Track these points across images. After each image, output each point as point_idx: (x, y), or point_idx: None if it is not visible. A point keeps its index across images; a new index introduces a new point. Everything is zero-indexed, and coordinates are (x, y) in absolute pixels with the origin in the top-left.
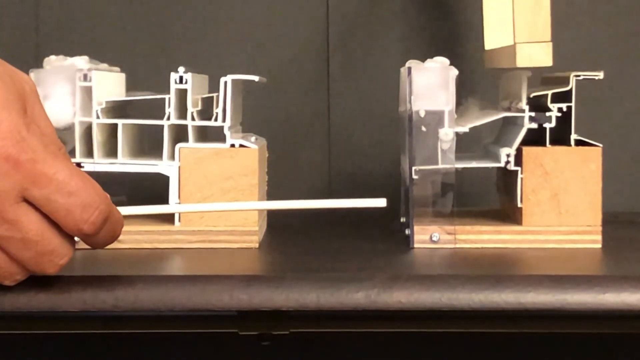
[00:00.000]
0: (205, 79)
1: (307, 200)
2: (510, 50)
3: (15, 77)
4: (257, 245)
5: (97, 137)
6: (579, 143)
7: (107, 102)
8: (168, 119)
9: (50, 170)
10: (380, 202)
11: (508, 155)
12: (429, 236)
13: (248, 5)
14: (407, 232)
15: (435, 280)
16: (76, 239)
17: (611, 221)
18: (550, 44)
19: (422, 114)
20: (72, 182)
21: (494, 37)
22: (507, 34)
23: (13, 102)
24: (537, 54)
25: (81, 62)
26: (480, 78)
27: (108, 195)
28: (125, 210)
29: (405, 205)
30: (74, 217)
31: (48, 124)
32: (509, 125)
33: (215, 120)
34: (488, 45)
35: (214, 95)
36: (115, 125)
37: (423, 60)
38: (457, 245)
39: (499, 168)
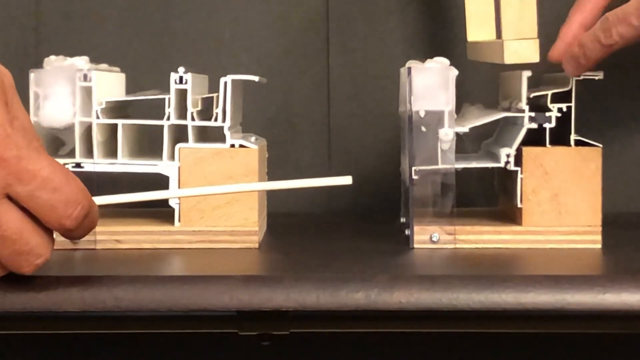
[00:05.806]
0: (205, 79)
1: (275, 182)
2: (497, 46)
3: None
4: (257, 245)
5: (97, 137)
6: (579, 143)
7: (107, 102)
8: (168, 119)
9: (35, 166)
10: (346, 180)
11: (508, 156)
12: (429, 236)
13: (248, 5)
14: (407, 232)
15: (435, 280)
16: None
17: (611, 221)
18: (537, 40)
19: (422, 114)
20: (56, 178)
21: (476, 29)
22: (490, 28)
23: None
24: (525, 50)
25: (81, 62)
26: (480, 78)
27: (87, 190)
28: (108, 199)
29: (405, 205)
30: (57, 213)
31: (27, 118)
32: (508, 125)
33: (215, 120)
34: (471, 37)
35: (214, 95)
36: (115, 125)
37: (423, 60)
38: (457, 246)
39: (498, 168)
